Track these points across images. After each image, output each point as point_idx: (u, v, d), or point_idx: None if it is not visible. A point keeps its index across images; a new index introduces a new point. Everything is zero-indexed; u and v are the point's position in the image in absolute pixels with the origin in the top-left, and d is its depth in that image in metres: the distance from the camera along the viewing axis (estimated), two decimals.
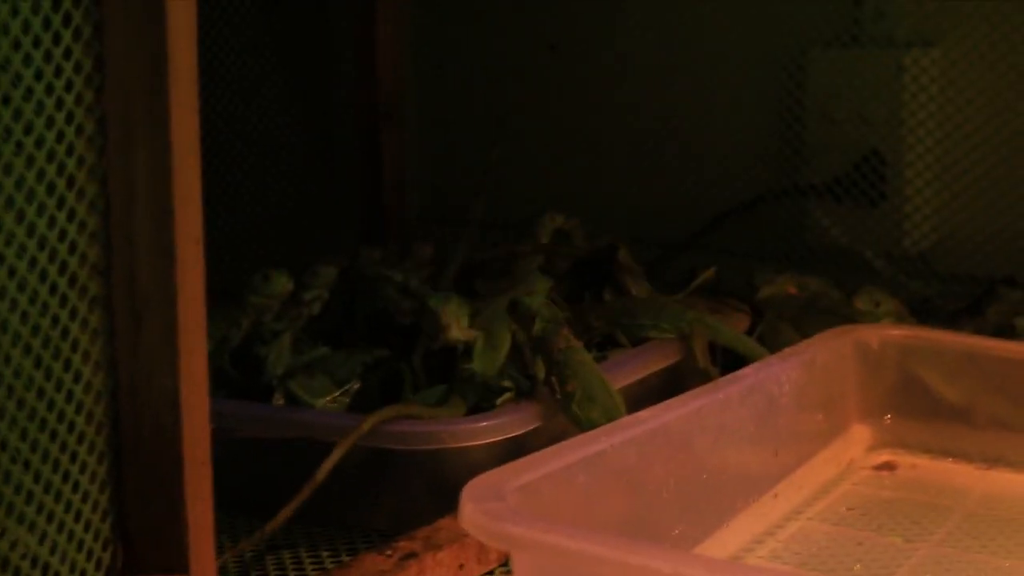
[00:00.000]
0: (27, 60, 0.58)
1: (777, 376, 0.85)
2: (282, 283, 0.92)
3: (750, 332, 1.03)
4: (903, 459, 0.92)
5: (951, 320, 1.08)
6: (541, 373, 0.85)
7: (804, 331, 0.98)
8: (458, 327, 0.85)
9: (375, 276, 0.95)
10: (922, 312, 1.11)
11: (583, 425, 0.82)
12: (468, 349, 0.85)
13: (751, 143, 1.26)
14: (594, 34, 1.32)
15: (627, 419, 0.75)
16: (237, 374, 0.89)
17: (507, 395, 0.84)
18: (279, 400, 0.86)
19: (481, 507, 0.61)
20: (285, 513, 0.75)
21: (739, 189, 1.24)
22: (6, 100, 0.58)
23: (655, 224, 1.27)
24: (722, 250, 1.18)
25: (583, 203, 1.21)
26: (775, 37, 1.24)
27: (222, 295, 0.93)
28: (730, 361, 0.97)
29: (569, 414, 0.83)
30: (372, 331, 0.94)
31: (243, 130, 1.29)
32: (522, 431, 0.82)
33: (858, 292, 1.06)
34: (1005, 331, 1.06)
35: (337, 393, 0.86)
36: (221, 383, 0.88)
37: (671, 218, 1.27)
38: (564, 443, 0.70)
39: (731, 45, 1.26)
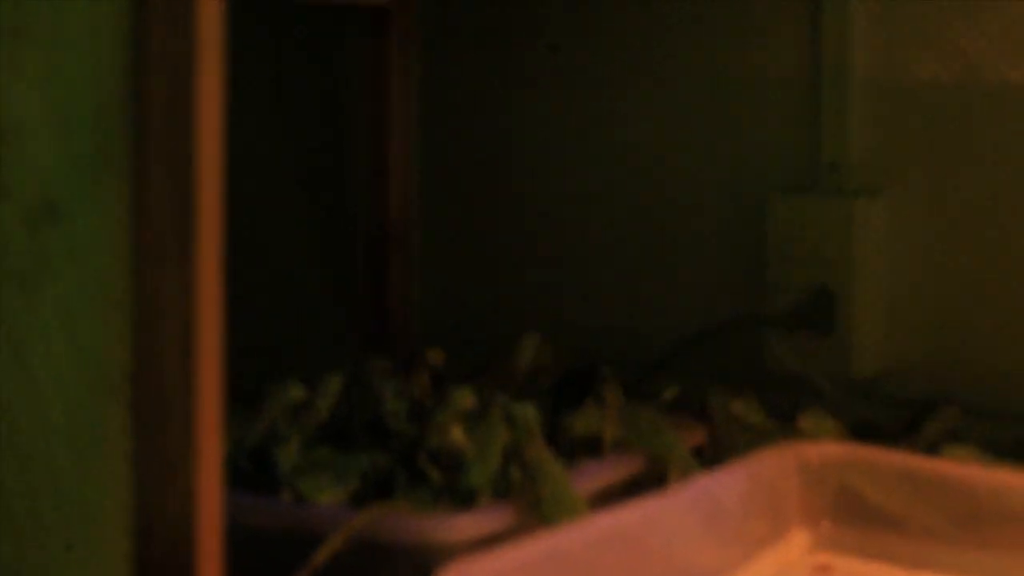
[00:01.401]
0: (76, 188, 0.63)
1: (724, 483, 0.89)
2: (296, 392, 0.97)
3: (704, 446, 1.08)
4: (839, 562, 0.96)
5: (891, 440, 1.12)
6: (516, 476, 0.90)
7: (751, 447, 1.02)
8: (458, 431, 0.90)
9: (376, 385, 1.00)
10: (864, 434, 1.14)
11: (551, 526, 0.87)
12: (454, 455, 0.90)
13: (715, 276, 1.30)
14: (582, 178, 1.37)
15: (587, 519, 0.80)
16: (252, 470, 0.94)
17: (486, 496, 0.89)
18: (287, 495, 0.91)
19: None
20: None
21: (702, 318, 1.28)
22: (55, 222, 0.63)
23: (625, 348, 1.31)
24: (685, 373, 1.22)
25: (555, 327, 1.25)
26: (742, 180, 1.28)
27: (239, 399, 0.98)
28: None
29: (539, 515, 0.88)
30: (372, 435, 0.98)
31: (261, 252, 1.33)
32: (497, 528, 0.86)
33: (802, 413, 1.11)
34: (936, 448, 1.10)
35: (338, 490, 0.91)
36: (237, 478, 0.93)
37: (640, 344, 1.30)
38: (529, 538, 0.75)
39: (703, 186, 1.30)
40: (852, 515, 0.97)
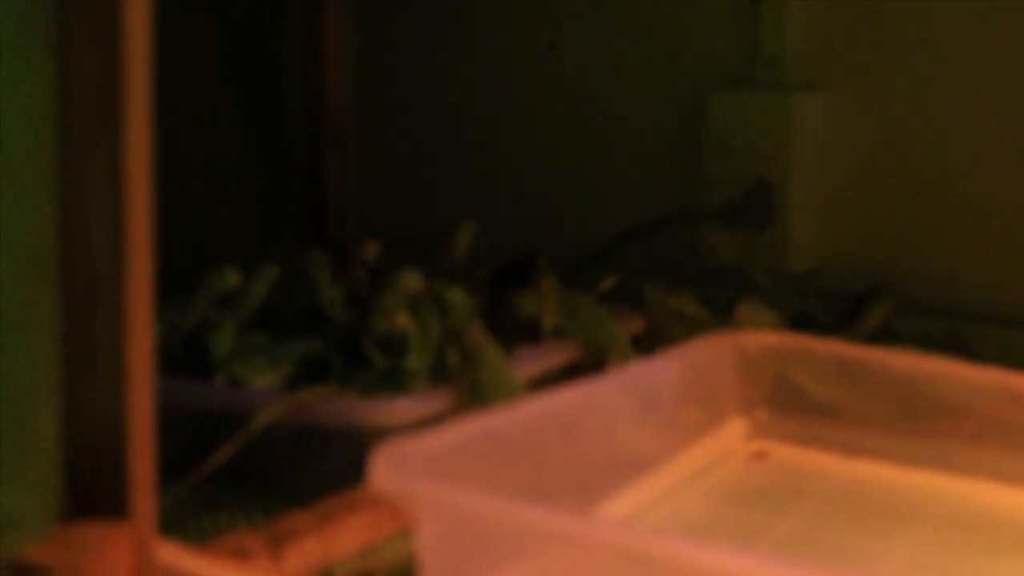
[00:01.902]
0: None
1: (661, 371, 0.88)
2: (231, 278, 0.95)
3: (642, 336, 1.06)
4: (775, 449, 0.95)
5: (829, 332, 1.11)
6: (454, 361, 0.88)
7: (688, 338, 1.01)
8: (403, 316, 0.88)
9: (312, 273, 0.99)
10: (802, 326, 1.14)
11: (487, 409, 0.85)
12: (399, 339, 0.88)
13: (653, 171, 1.29)
14: (517, 68, 1.35)
15: (523, 401, 0.79)
16: (186, 356, 0.92)
17: (423, 381, 0.88)
18: (221, 379, 0.89)
19: (387, 469, 0.64)
20: (209, 467, 0.78)
21: (640, 213, 1.27)
22: None
23: (562, 242, 1.30)
24: (623, 267, 1.21)
25: (493, 222, 1.23)
26: (678, 76, 1.27)
27: (178, 289, 0.96)
28: None
29: (476, 400, 0.86)
30: (308, 323, 0.96)
31: (197, 140, 1.31)
32: (434, 412, 0.85)
33: (740, 304, 1.10)
34: (878, 337, 1.10)
35: (273, 374, 0.89)
36: (172, 365, 0.91)
37: (577, 238, 1.30)
38: (467, 419, 0.73)
39: (640, 80, 1.29)
40: (789, 404, 0.96)
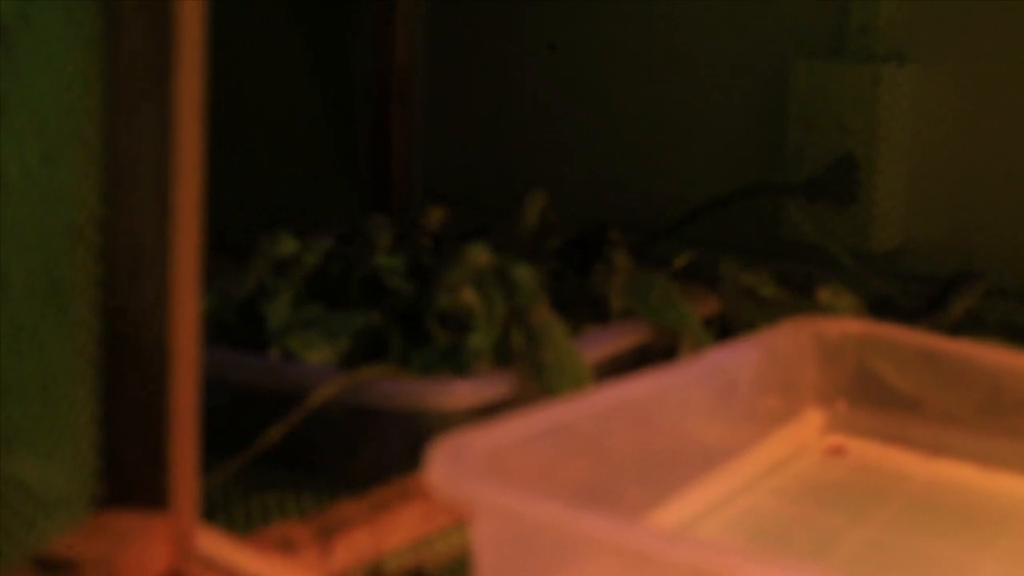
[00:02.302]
0: (32, 9, 0.56)
1: (738, 359, 0.83)
2: (287, 244, 0.90)
3: (717, 317, 1.01)
4: (853, 444, 0.90)
5: (910, 316, 1.06)
6: (518, 343, 0.83)
7: (768, 320, 0.97)
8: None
9: (372, 241, 0.94)
10: (882, 309, 1.09)
11: (553, 394, 0.80)
12: (462, 316, 0.84)
13: (734, 142, 1.24)
14: (593, 32, 1.30)
15: (593, 391, 0.74)
16: (240, 326, 0.88)
17: (486, 362, 0.83)
18: (275, 353, 0.84)
19: (444, 468, 0.60)
20: (259, 447, 0.74)
21: (719, 185, 1.22)
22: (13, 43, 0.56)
23: (636, 213, 1.25)
24: (698, 240, 1.16)
25: (564, 189, 1.19)
26: (763, 44, 1.22)
27: (233, 249, 0.92)
28: None
29: (541, 383, 0.81)
30: (367, 293, 0.92)
31: (259, 97, 1.27)
32: (496, 396, 0.80)
33: (822, 285, 1.05)
34: (964, 325, 1.04)
35: (328, 349, 0.84)
36: (226, 335, 0.87)
37: (653, 209, 1.25)
38: (531, 410, 0.68)
39: (719, 48, 1.24)
40: (869, 395, 0.91)
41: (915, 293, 1.13)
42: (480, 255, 0.85)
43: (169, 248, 0.60)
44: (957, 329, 1.04)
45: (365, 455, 0.79)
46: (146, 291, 0.61)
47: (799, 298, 1.06)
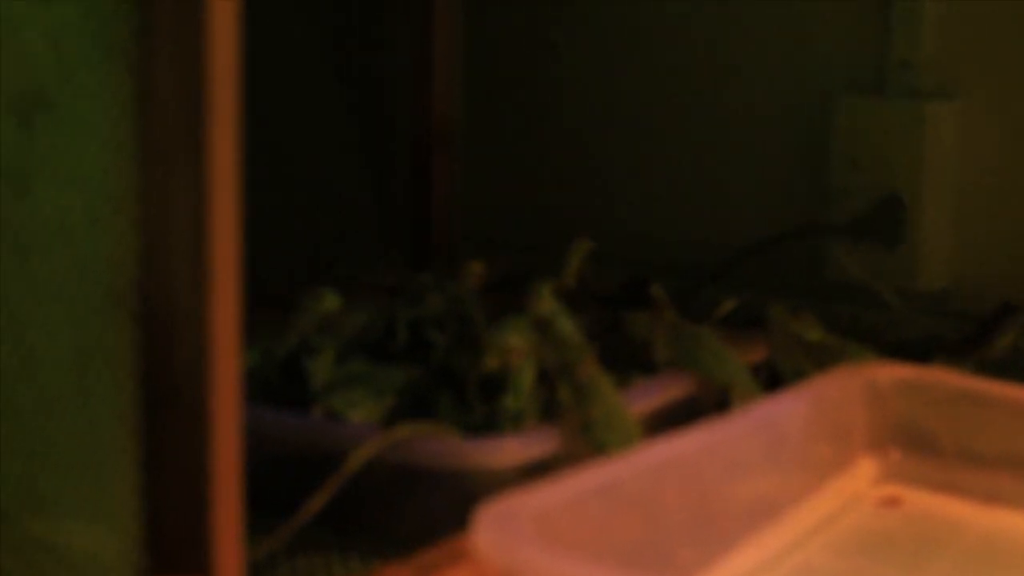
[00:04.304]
0: (71, 76, 0.55)
1: (788, 410, 0.81)
2: (329, 301, 0.89)
3: (764, 363, 1.00)
4: (907, 494, 0.88)
5: (957, 352, 1.05)
6: (566, 397, 0.81)
7: (817, 366, 0.95)
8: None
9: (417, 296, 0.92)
10: (931, 348, 1.07)
11: (602, 450, 0.79)
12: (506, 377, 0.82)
13: (776, 182, 1.22)
14: (635, 74, 1.28)
15: (642, 448, 0.72)
16: (282, 383, 0.86)
17: (532, 418, 0.81)
18: (318, 411, 0.83)
19: (492, 534, 0.58)
20: (303, 515, 0.73)
21: (762, 226, 1.21)
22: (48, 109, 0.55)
23: (679, 255, 1.24)
24: (742, 283, 1.14)
25: (606, 233, 1.17)
26: (805, 81, 1.21)
27: (273, 307, 0.91)
28: None
29: (589, 440, 0.80)
30: (412, 349, 0.90)
31: (298, 148, 1.26)
32: (543, 454, 0.78)
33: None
34: (1011, 361, 1.04)
35: (373, 406, 0.83)
36: (267, 392, 0.85)
37: (696, 250, 1.23)
38: (580, 470, 0.67)
39: (762, 86, 1.23)
40: (921, 443, 0.89)
41: (963, 333, 1.11)
42: (542, 301, 0.83)
43: (207, 308, 0.59)
44: (1004, 365, 1.03)
45: (411, 515, 0.78)
46: (184, 354, 0.60)
47: (846, 342, 1.04)
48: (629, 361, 0.91)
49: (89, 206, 0.57)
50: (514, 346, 0.82)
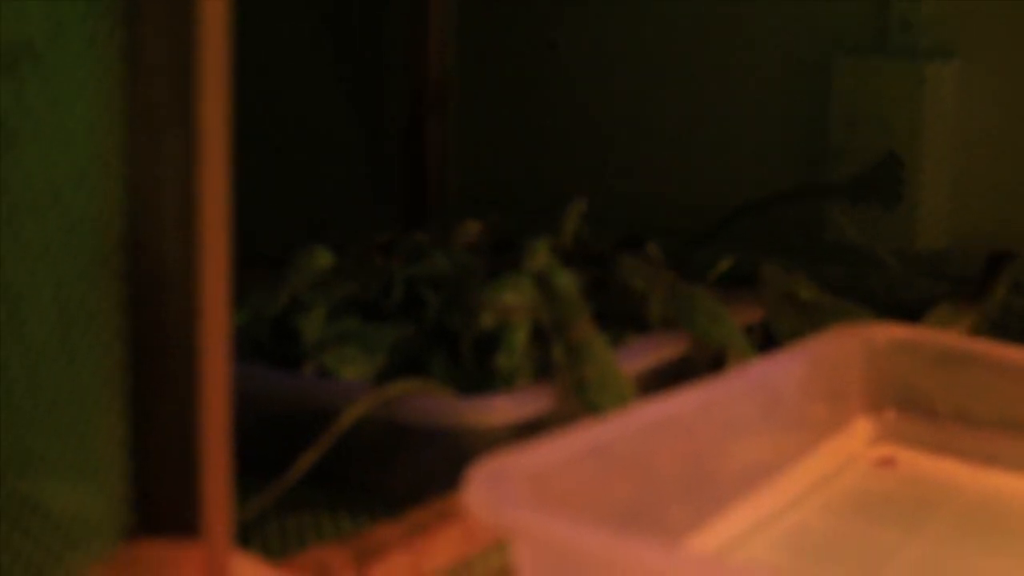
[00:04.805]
0: (59, 30, 0.54)
1: (784, 370, 0.80)
2: (322, 259, 0.89)
3: (759, 323, 0.99)
4: (903, 454, 0.88)
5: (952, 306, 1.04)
6: (560, 357, 0.81)
7: (812, 326, 0.94)
8: (492, 310, 0.81)
9: (410, 253, 0.92)
10: (927, 309, 1.06)
11: (595, 410, 0.78)
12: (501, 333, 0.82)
13: (773, 142, 1.22)
14: (630, 35, 1.28)
15: (636, 407, 0.71)
16: (273, 342, 0.86)
17: (525, 376, 0.80)
18: (309, 369, 0.82)
19: (483, 493, 0.58)
20: (293, 474, 0.72)
21: (760, 187, 1.20)
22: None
23: (675, 215, 1.23)
24: (739, 243, 1.14)
25: (602, 193, 1.17)
26: (802, 41, 1.20)
27: (265, 261, 0.90)
28: None
29: (582, 399, 0.79)
30: (405, 307, 0.90)
31: (291, 107, 1.26)
32: (536, 413, 0.78)
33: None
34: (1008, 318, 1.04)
35: (365, 364, 0.82)
36: (259, 352, 0.85)
37: (692, 211, 1.23)
38: (573, 429, 0.66)
39: (759, 46, 1.22)
40: (919, 404, 0.89)
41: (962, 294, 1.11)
42: (538, 256, 0.82)
43: (196, 266, 0.59)
44: (1001, 326, 1.02)
45: (402, 474, 0.77)
46: (172, 312, 0.59)
47: (840, 301, 1.03)
48: (623, 318, 0.91)
49: (76, 162, 0.56)
50: (510, 303, 0.81)
